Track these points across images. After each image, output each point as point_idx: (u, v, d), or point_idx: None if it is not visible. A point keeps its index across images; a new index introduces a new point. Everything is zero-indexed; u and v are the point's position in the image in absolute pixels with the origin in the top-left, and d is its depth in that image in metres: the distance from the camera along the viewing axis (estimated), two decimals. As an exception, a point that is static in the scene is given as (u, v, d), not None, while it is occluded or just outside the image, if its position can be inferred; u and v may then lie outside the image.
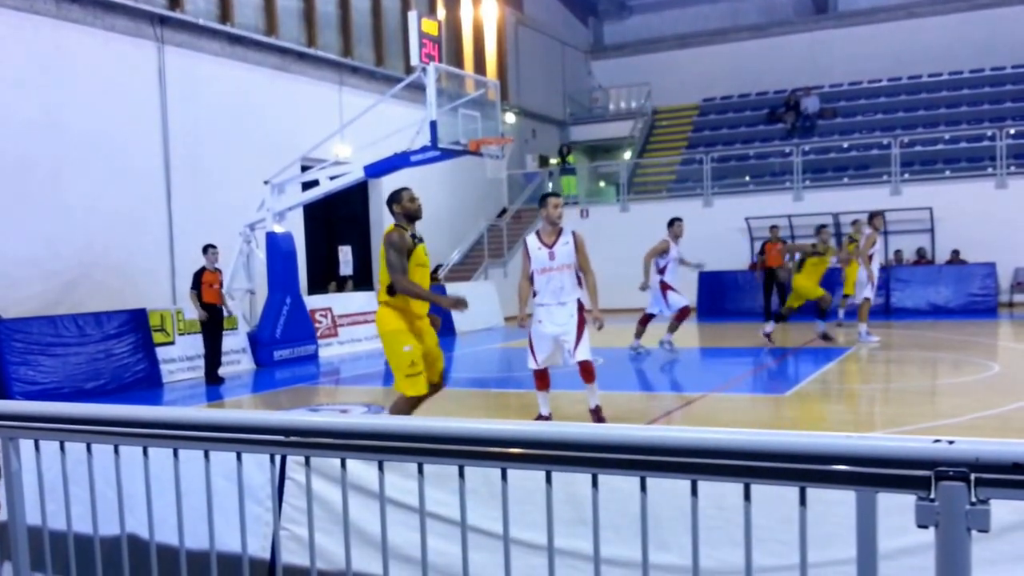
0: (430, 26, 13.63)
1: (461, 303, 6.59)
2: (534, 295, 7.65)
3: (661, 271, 12.92)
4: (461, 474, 2.11)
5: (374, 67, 21.20)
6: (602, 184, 30.11)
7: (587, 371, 7.52)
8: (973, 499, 1.53)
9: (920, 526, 1.57)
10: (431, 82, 13.34)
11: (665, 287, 12.83)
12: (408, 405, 6.53)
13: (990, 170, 20.33)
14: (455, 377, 13.25)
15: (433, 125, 13.42)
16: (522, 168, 26.08)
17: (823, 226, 14.92)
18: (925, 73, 25.09)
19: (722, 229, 21.73)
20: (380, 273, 6.53)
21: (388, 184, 20.23)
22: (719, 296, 20.99)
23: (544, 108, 27.99)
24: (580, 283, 7.66)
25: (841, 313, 16.32)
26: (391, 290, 6.38)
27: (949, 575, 1.58)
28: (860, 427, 7.77)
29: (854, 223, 16.25)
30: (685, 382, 11.20)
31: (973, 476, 1.53)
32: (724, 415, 8.51)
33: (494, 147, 14.19)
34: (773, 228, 16.69)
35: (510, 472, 2.05)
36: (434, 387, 6.76)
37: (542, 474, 1.97)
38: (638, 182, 25.71)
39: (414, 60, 13.40)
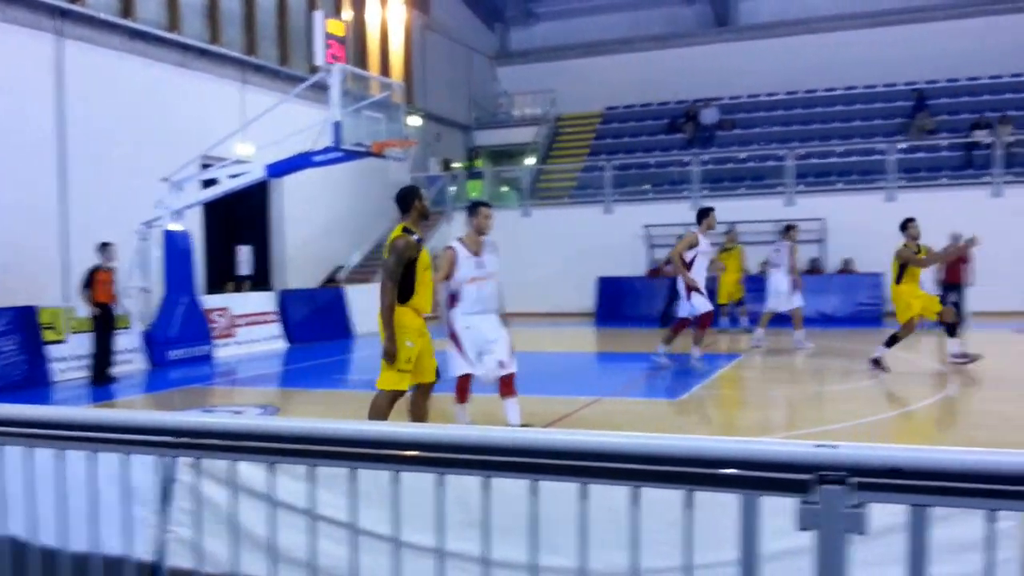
0: (336, 27, 13.47)
1: (391, 355, 6.41)
2: (452, 303, 7.47)
3: (688, 266, 11.39)
4: (353, 477, 2.07)
5: (278, 66, 20.81)
6: (505, 189, 30.23)
7: (510, 384, 7.32)
8: (853, 502, 1.57)
9: (802, 529, 1.60)
10: (336, 83, 13.18)
11: (690, 288, 11.36)
12: (388, 401, 6.55)
13: (880, 183, 21.22)
14: (353, 379, 13.08)
15: (337, 126, 13.26)
16: (426, 171, 25.97)
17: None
18: (821, 88, 26.02)
19: (622, 236, 22.10)
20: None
21: (290, 184, 19.93)
22: (617, 302, 21.33)
23: (449, 112, 27.96)
24: None
25: (744, 320, 16.86)
26: (401, 295, 6.46)
27: None
28: (749, 431, 7.98)
29: (727, 233, 16.89)
30: (581, 386, 11.31)
31: (854, 480, 1.57)
32: (618, 418, 8.62)
33: (397, 149, 14.10)
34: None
35: (402, 475, 2.02)
36: (430, 385, 6.81)
37: (433, 477, 1.95)
38: (541, 188, 25.91)
39: (319, 60, 13.22)
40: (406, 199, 6.60)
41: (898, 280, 11.30)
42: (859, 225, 20.18)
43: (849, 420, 8.17)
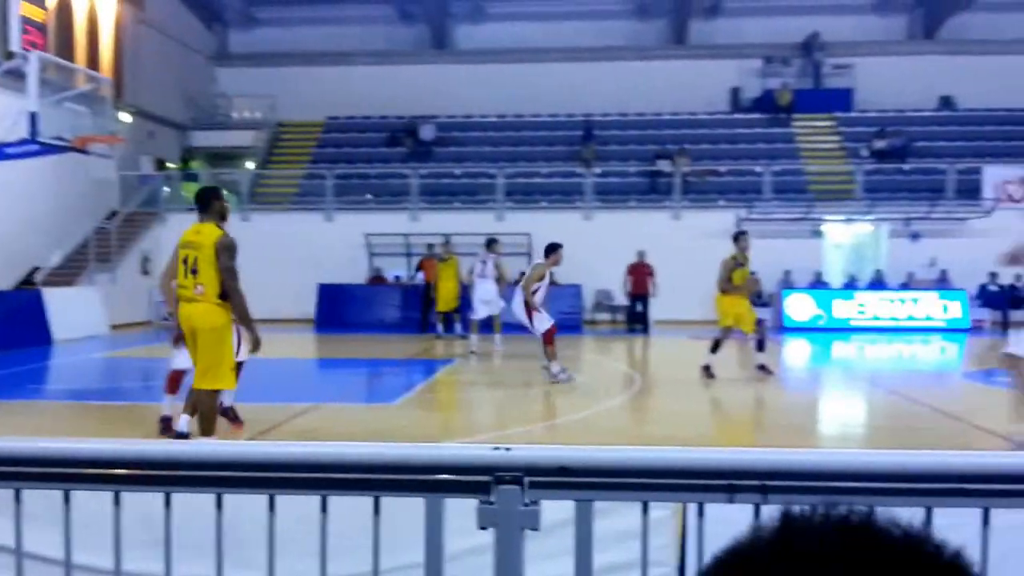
0: (33, 11, 12.19)
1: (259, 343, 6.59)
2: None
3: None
4: (18, 498, 1.85)
5: (-37, 46, 18.43)
6: (224, 193, 28.85)
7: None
8: (526, 500, 1.64)
9: (481, 527, 1.65)
10: (33, 71, 11.94)
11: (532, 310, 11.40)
12: (215, 400, 6.52)
13: (579, 204, 22.66)
14: (50, 389, 11.87)
15: (33, 117, 12.00)
16: (137, 170, 24.15)
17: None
18: (528, 113, 27.34)
19: (343, 244, 21.88)
20: (205, 273, 6.33)
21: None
22: (337, 308, 21.08)
23: (164, 110, 26.19)
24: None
25: (459, 327, 17.34)
26: (224, 294, 6.33)
27: (505, 571, 1.67)
28: (454, 434, 8.18)
29: (444, 244, 17.40)
30: (299, 393, 11.03)
31: (526, 480, 1.63)
32: (338, 425, 8.51)
33: (103, 146, 13.02)
34: (431, 246, 18.15)
35: (76, 495, 1.84)
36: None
37: (110, 495, 1.79)
38: (261, 193, 25.03)
39: (14, 46, 11.90)
40: (207, 199, 6.61)
41: (723, 290, 11.13)
42: (561, 241, 21.37)
43: (552, 419, 8.62)
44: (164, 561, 1.82)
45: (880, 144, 24.29)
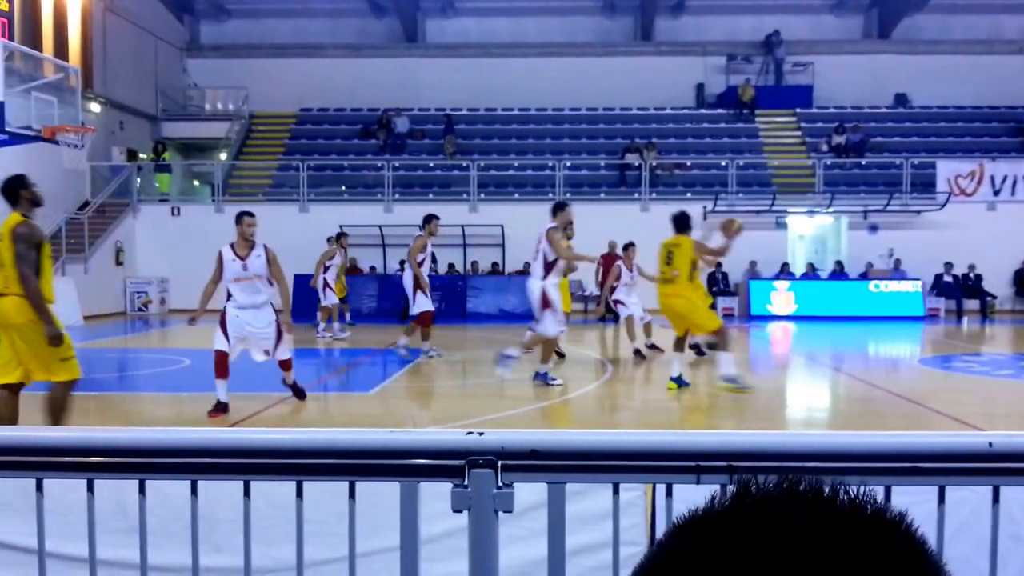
0: (-1, -2, 11.95)
1: (58, 339, 6.00)
2: (228, 297, 8.15)
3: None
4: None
5: (-71, 35, 18.01)
6: (196, 183, 28.51)
7: (285, 367, 8.44)
8: (499, 483, 1.64)
9: (456, 511, 1.64)
10: (-1, 59, 11.71)
11: (418, 287, 12.00)
12: (66, 392, 6.10)
13: (550, 195, 22.66)
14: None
15: (0, 106, 11.77)
16: (108, 160, 23.78)
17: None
18: (499, 107, 27.28)
19: (317, 235, 21.68)
20: (10, 266, 5.90)
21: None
22: (314, 298, 20.91)
23: (134, 101, 25.79)
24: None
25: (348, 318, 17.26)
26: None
27: (480, 553, 1.67)
28: (436, 420, 8.18)
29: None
30: (275, 383, 10.93)
31: (499, 463, 1.63)
32: (315, 414, 8.47)
33: (73, 136, 12.79)
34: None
35: (48, 483, 1.81)
36: (22, 384, 6.20)
37: (83, 483, 1.76)
38: (234, 183, 24.75)
39: (-22, 33, 11.66)
40: (12, 191, 6.09)
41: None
42: (534, 232, 21.33)
43: (526, 405, 8.64)
44: (139, 548, 1.80)
45: (839, 139, 24.55)
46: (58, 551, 2.12)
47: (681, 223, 9.45)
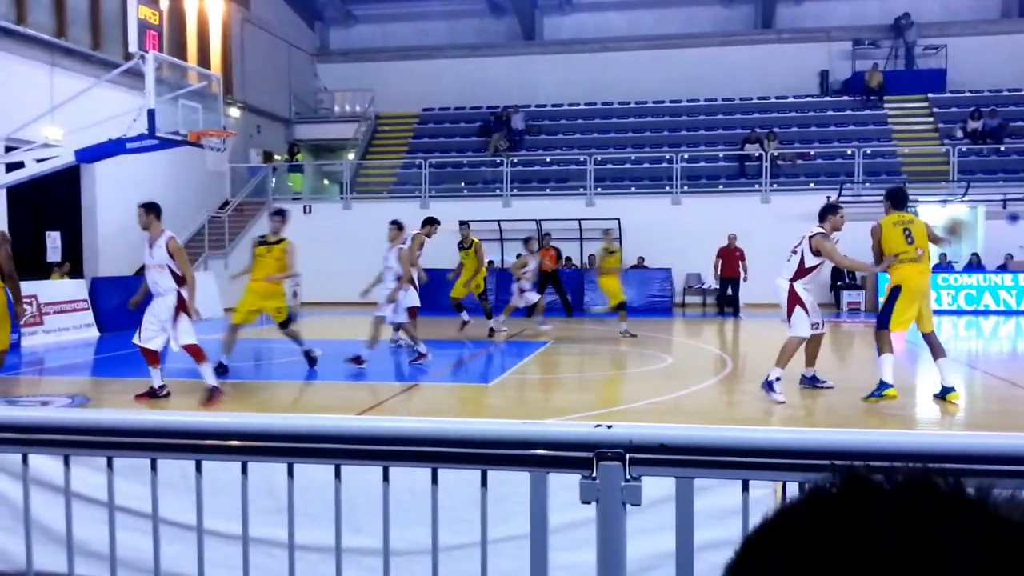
0: (150, 14, 12.68)
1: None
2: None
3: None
4: (153, 467, 1.96)
5: (90, 50, 19.30)
6: (326, 182, 29.56)
7: (194, 354, 8.50)
8: (628, 477, 1.64)
9: (584, 502, 1.66)
10: (150, 70, 12.42)
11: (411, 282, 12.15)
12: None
13: (667, 188, 22.35)
14: (171, 368, 12.40)
15: (151, 113, 12.49)
16: (246, 162, 24.95)
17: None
18: (616, 100, 27.07)
19: (439, 229, 22.11)
20: None
21: (104, 170, 18.57)
22: (436, 291, 21.32)
23: (269, 105, 26.96)
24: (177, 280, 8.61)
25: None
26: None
27: (608, 545, 1.68)
28: (552, 413, 8.21)
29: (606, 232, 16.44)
30: (402, 373, 11.25)
31: (628, 456, 1.64)
32: (438, 403, 8.66)
33: (215, 139, 13.46)
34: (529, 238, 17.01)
35: (206, 464, 1.92)
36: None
37: (238, 465, 1.87)
38: (361, 182, 25.52)
39: (133, 47, 12.41)
40: None
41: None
42: (650, 225, 21.18)
43: (643, 399, 8.57)
44: (287, 527, 1.89)
45: (975, 125, 23.16)
46: (214, 528, 2.25)
47: (900, 198, 8.52)
